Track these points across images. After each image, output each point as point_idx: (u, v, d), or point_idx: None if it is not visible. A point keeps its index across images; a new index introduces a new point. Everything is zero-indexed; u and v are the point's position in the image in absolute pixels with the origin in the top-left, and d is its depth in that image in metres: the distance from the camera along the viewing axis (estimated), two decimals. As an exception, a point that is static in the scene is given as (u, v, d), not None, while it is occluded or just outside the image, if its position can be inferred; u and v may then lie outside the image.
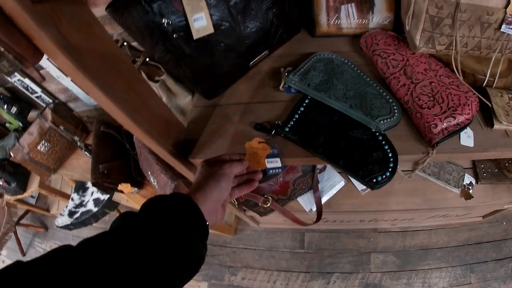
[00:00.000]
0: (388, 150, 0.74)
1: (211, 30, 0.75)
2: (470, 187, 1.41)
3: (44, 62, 1.48)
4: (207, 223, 0.58)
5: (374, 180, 0.72)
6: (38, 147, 1.61)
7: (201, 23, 0.73)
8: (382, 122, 0.75)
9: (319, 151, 0.75)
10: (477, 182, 1.43)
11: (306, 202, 1.38)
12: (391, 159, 0.73)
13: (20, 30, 0.46)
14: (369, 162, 0.73)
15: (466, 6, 0.73)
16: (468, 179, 1.42)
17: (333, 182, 1.38)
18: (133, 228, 0.48)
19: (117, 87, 0.63)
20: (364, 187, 1.38)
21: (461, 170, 1.43)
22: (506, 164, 1.36)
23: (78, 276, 0.39)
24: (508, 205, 1.45)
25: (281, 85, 0.86)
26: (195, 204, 0.56)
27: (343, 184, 1.38)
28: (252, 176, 0.71)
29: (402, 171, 1.39)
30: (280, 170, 0.71)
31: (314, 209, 1.34)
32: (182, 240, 0.51)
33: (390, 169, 0.72)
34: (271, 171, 0.71)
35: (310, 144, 0.76)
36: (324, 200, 1.37)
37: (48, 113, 1.62)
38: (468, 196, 1.39)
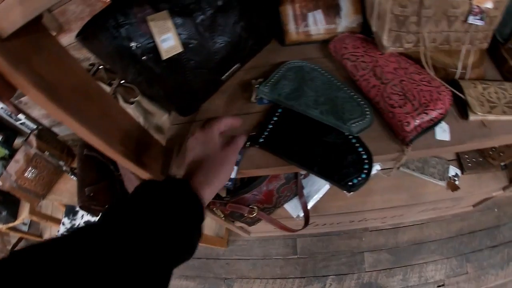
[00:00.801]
0: (362, 152, 0.75)
1: (180, 49, 0.76)
2: (456, 179, 1.44)
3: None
4: (202, 201, 0.55)
5: (350, 183, 0.72)
6: (26, 174, 1.62)
7: (169, 43, 0.74)
8: (353, 125, 0.76)
9: (294, 159, 0.76)
10: (462, 173, 1.45)
11: (293, 208, 1.39)
12: (366, 161, 0.74)
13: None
14: (344, 165, 0.74)
15: (430, 2, 0.74)
16: (453, 170, 1.45)
17: (318, 186, 1.39)
18: (124, 223, 0.46)
19: (90, 114, 0.64)
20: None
21: (445, 162, 1.46)
22: (490, 152, 1.38)
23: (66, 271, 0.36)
24: (496, 192, 1.48)
25: (253, 97, 0.87)
26: (194, 194, 0.54)
27: (328, 187, 1.39)
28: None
29: (382, 169, 1.42)
30: (230, 183, 0.75)
31: (302, 214, 1.35)
32: (178, 234, 0.48)
33: (365, 171, 0.73)
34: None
35: (284, 153, 0.77)
36: (310, 204, 1.38)
37: (33, 139, 1.63)
38: (455, 188, 1.42)
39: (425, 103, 0.76)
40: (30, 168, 1.62)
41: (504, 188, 1.46)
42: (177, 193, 0.53)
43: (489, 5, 0.75)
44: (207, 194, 0.57)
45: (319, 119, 0.78)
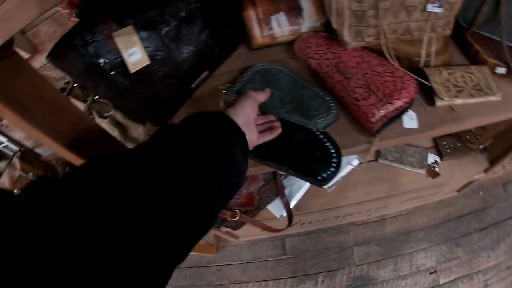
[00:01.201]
0: (330, 147, 0.78)
1: (147, 62, 0.78)
2: (436, 166, 1.47)
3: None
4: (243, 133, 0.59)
5: (320, 178, 0.75)
6: None
7: (136, 57, 0.76)
8: (319, 120, 0.78)
9: (264, 159, 0.79)
10: (441, 159, 1.48)
11: (276, 208, 1.40)
12: (334, 155, 0.77)
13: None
14: (313, 161, 0.77)
15: None
16: (432, 158, 1.48)
17: (298, 185, 1.41)
18: (172, 139, 0.48)
19: (63, 130, 0.67)
20: (330, 184, 1.42)
21: (423, 151, 1.49)
22: (467, 137, 1.41)
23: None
24: (478, 175, 1.51)
25: (221, 102, 0.89)
26: (230, 118, 0.58)
27: (309, 184, 1.41)
28: (273, 124, 0.77)
29: (361, 163, 1.45)
30: None
31: (285, 214, 1.37)
32: (225, 150, 0.51)
33: (334, 164, 0.76)
34: None
35: (254, 153, 0.79)
36: (293, 203, 1.40)
37: (16, 161, 1.64)
38: (435, 174, 1.45)
39: (389, 93, 0.78)
40: (16, 190, 1.61)
41: (486, 171, 1.49)
42: (215, 118, 0.57)
43: None
44: (233, 114, 0.61)
45: (286, 118, 0.80)
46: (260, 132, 0.73)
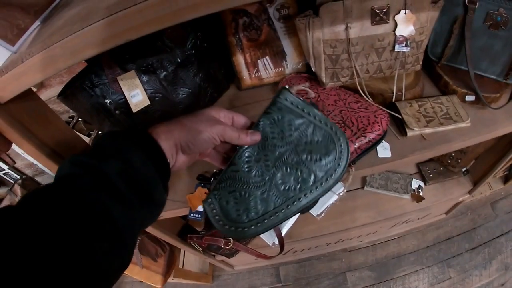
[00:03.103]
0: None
1: (147, 102, 0.86)
2: (420, 190, 1.53)
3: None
4: (168, 161, 0.51)
5: None
6: None
7: (137, 98, 0.85)
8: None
9: None
10: (425, 184, 1.55)
11: (267, 236, 1.46)
12: None
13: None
14: None
15: (357, 39, 0.85)
16: (416, 183, 1.55)
17: (289, 213, 1.46)
18: (82, 178, 0.43)
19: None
20: (319, 212, 1.48)
21: (407, 177, 1.56)
22: (449, 161, 1.47)
23: (21, 235, 0.36)
24: (462, 196, 1.57)
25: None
26: (156, 144, 0.50)
27: (298, 214, 1.47)
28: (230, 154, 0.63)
29: (347, 191, 1.52)
30: (199, 216, 0.81)
31: (277, 241, 1.40)
32: (139, 188, 0.46)
33: None
34: (191, 215, 0.80)
35: None
36: (284, 231, 1.45)
37: (18, 189, 1.69)
38: (419, 199, 1.51)
39: (363, 127, 0.85)
40: None
41: (470, 192, 1.55)
42: (136, 142, 0.49)
43: (410, 31, 0.84)
44: (163, 134, 0.52)
45: None
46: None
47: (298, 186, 0.58)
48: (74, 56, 0.51)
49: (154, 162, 0.48)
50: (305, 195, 0.58)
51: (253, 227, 0.58)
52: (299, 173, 0.58)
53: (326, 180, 0.58)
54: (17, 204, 0.41)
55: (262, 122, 0.60)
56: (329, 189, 0.59)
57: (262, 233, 0.59)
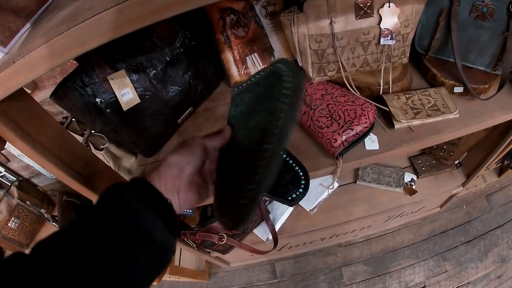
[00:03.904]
0: (299, 170, 0.86)
1: (137, 101, 0.88)
2: (413, 183, 1.54)
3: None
4: (169, 201, 0.52)
5: (289, 198, 0.83)
6: (9, 224, 1.66)
7: (128, 97, 0.86)
8: None
9: None
10: (418, 177, 1.56)
11: (261, 232, 1.47)
12: (302, 177, 0.85)
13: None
14: (283, 184, 0.85)
15: (342, 33, 0.86)
16: (408, 176, 1.56)
17: (282, 209, 1.49)
18: (88, 228, 0.45)
19: (68, 160, 0.76)
20: (312, 207, 1.50)
21: (399, 170, 1.57)
22: (441, 154, 1.49)
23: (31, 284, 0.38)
24: (456, 189, 1.58)
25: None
26: (152, 187, 0.51)
27: (292, 208, 1.49)
28: None
29: (340, 185, 1.54)
30: (191, 211, 0.80)
31: (271, 237, 1.43)
32: (141, 234, 0.46)
33: (302, 186, 0.84)
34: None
35: None
36: (278, 226, 1.47)
37: (14, 190, 1.70)
38: (412, 192, 1.52)
39: (350, 120, 0.87)
40: (13, 218, 1.66)
41: (463, 184, 1.56)
42: (135, 190, 0.50)
43: (395, 24, 0.85)
44: (157, 178, 0.53)
45: None
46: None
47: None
48: (62, 55, 0.52)
49: (149, 202, 0.49)
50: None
51: None
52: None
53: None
54: (29, 253, 0.43)
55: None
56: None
57: None
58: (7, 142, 0.65)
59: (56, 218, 1.70)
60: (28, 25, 0.59)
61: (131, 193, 0.48)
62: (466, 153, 1.49)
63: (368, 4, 0.84)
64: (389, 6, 0.84)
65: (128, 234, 0.45)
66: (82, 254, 0.42)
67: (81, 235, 0.44)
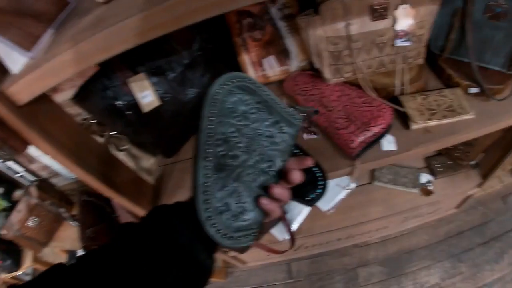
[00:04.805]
0: (317, 171, 0.87)
1: (157, 103, 0.90)
2: (429, 184, 1.52)
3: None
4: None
5: (308, 198, 0.84)
6: (28, 223, 1.69)
7: (148, 99, 0.88)
8: None
9: None
10: (434, 178, 1.54)
11: (278, 232, 1.48)
12: (321, 178, 0.86)
13: (10, 127, 0.61)
14: (302, 184, 0.85)
15: (358, 36, 0.86)
16: (424, 177, 1.54)
17: (299, 209, 1.48)
18: (129, 244, 0.47)
19: (89, 160, 0.78)
20: (329, 207, 1.50)
21: (415, 171, 1.55)
22: (457, 154, 1.46)
23: None
24: (472, 190, 1.56)
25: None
26: (191, 214, 0.49)
27: (309, 209, 1.49)
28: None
29: (358, 186, 1.53)
30: None
31: (288, 237, 1.43)
32: (182, 254, 0.47)
33: (320, 186, 0.85)
34: None
35: None
36: (295, 227, 1.48)
37: (34, 190, 1.73)
38: (428, 193, 1.50)
39: (367, 121, 0.88)
40: (32, 217, 1.69)
41: (479, 185, 1.54)
42: (177, 213, 0.50)
43: (410, 25, 0.85)
44: None
45: None
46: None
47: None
48: (86, 60, 0.54)
49: (190, 224, 0.48)
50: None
51: None
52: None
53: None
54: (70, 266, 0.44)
55: None
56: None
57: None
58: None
59: (75, 217, 1.73)
60: (51, 30, 0.61)
61: (174, 215, 0.50)
62: (482, 153, 1.47)
63: (383, 6, 0.84)
64: (404, 8, 0.84)
65: (170, 253, 0.46)
66: (124, 269, 0.44)
67: (124, 251, 0.46)
